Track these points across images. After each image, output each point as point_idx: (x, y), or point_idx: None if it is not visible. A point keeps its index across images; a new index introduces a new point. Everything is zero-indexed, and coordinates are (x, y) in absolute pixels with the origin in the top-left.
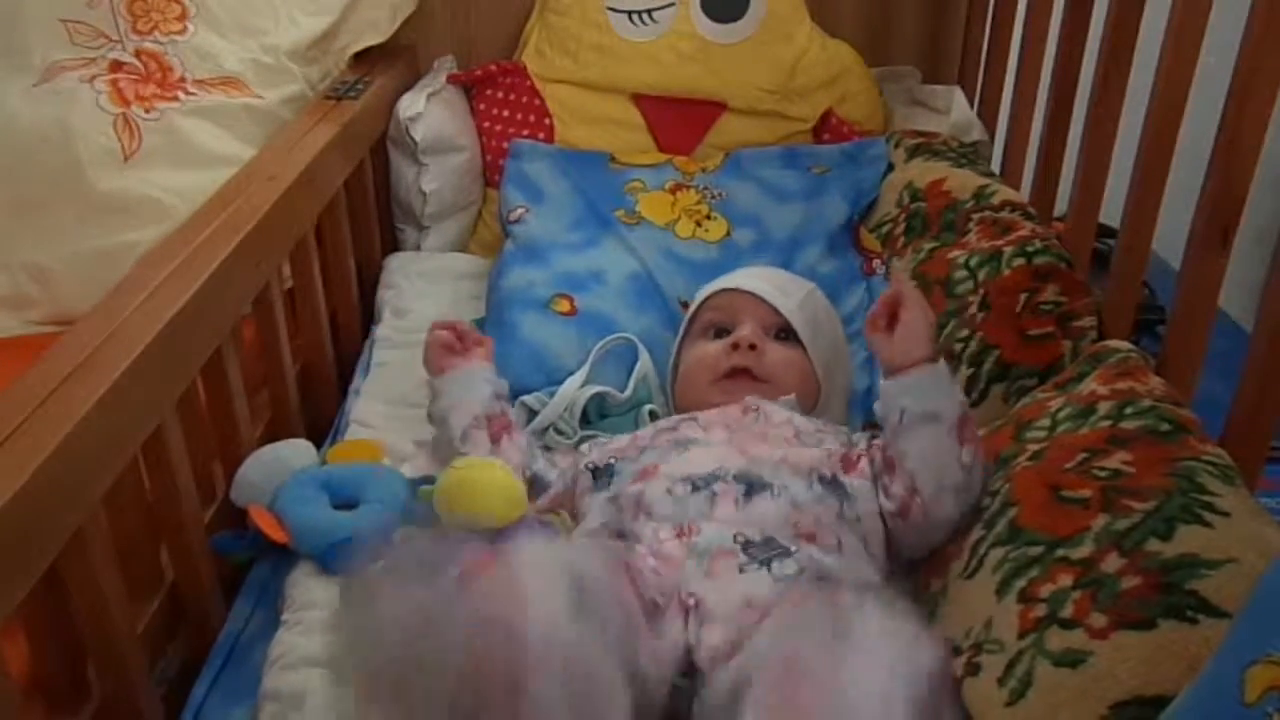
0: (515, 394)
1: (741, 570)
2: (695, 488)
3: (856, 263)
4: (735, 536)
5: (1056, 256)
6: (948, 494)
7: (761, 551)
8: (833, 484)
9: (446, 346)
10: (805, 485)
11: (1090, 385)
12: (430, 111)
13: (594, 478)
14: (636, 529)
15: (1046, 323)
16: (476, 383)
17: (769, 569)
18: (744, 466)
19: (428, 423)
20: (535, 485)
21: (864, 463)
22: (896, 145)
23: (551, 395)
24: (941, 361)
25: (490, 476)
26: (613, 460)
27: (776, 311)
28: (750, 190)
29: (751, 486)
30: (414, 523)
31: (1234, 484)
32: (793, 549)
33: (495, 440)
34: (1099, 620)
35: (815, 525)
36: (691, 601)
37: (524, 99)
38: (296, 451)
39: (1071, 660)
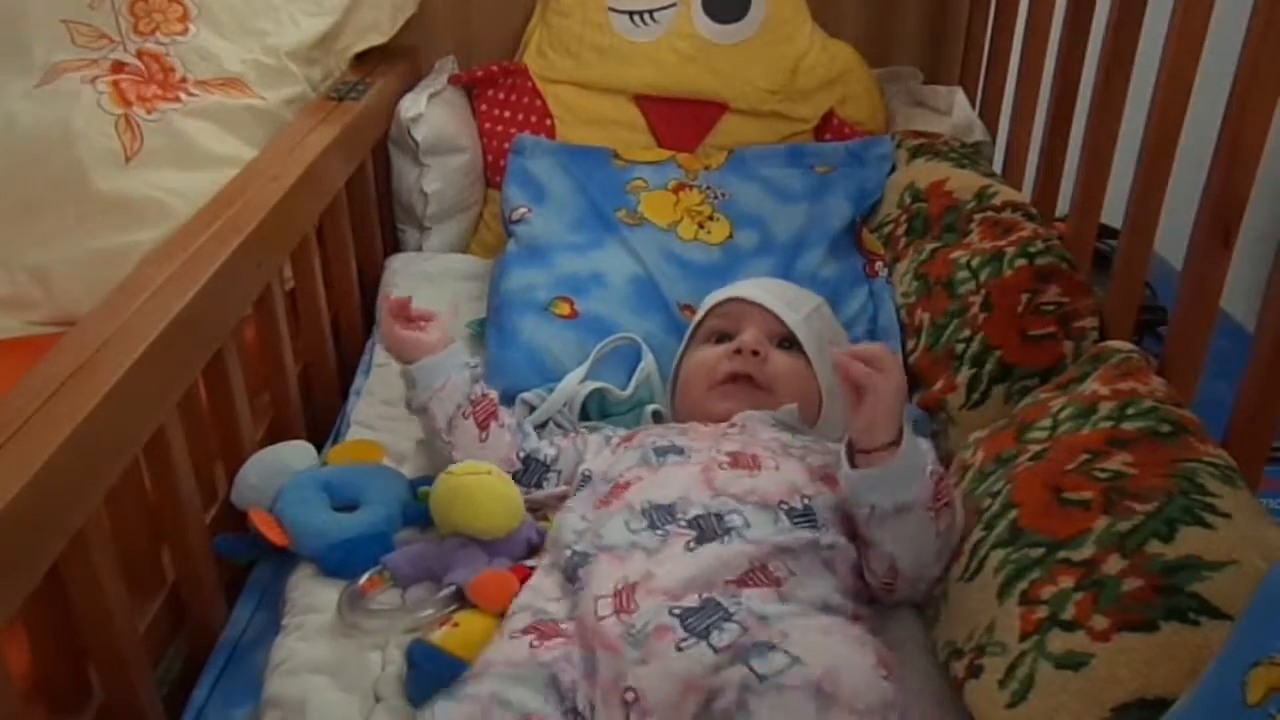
0: (514, 396)
1: (679, 648)
2: (651, 523)
3: (859, 265)
4: (671, 610)
5: (1058, 257)
6: (930, 560)
7: (700, 620)
8: (804, 515)
9: (397, 317)
10: (771, 520)
11: (1092, 386)
12: (432, 112)
13: (580, 483)
14: (583, 576)
15: (1048, 323)
16: (451, 367)
17: (708, 640)
18: (706, 503)
19: (409, 413)
20: (532, 467)
21: None
22: (899, 146)
23: (551, 392)
24: (908, 436)
25: (486, 485)
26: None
27: (782, 322)
28: (754, 190)
29: (704, 533)
30: (414, 524)
31: (1235, 485)
32: (732, 610)
33: (483, 427)
34: (1100, 622)
35: (766, 557)
36: (630, 697)
37: (525, 99)
38: (297, 453)
39: (1073, 662)
